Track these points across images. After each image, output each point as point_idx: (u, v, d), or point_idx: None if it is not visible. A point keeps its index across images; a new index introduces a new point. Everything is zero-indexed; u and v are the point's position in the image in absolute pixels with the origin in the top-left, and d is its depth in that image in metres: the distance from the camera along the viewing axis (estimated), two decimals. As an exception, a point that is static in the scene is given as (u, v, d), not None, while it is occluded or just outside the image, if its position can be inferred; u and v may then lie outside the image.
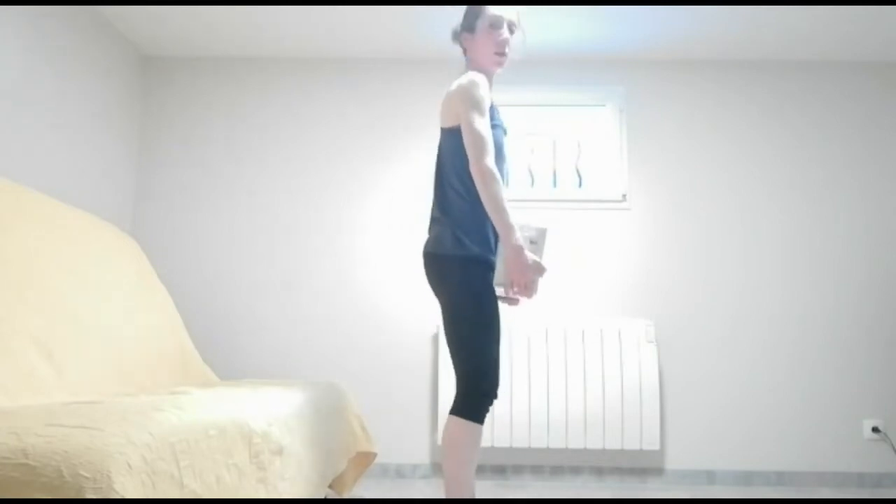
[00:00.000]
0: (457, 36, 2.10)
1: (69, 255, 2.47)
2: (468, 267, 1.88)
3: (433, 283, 1.95)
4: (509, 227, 1.79)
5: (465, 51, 2.09)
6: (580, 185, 3.75)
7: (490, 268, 1.91)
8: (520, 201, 3.65)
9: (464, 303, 1.88)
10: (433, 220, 2.00)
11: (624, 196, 3.65)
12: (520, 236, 1.80)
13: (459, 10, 2.16)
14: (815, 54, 3.65)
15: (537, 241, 1.89)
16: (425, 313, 3.56)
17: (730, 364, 3.51)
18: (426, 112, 3.73)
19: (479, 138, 1.85)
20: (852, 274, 3.57)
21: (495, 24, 1.99)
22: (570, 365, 3.36)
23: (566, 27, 3.40)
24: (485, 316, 1.87)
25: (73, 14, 3.15)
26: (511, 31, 2.03)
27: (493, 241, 1.93)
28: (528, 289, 1.80)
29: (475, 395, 1.85)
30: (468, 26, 2.05)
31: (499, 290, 1.88)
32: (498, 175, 1.83)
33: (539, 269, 1.81)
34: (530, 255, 1.80)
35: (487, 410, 1.87)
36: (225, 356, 3.56)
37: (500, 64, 2.03)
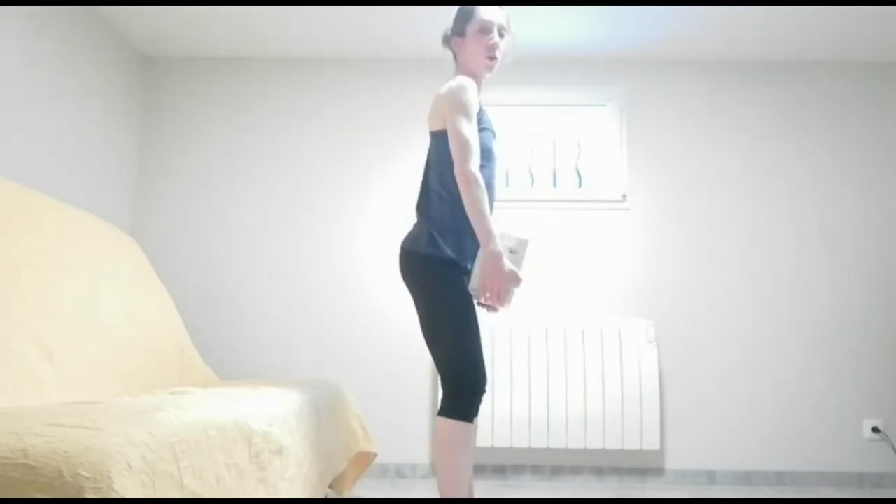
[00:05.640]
0: (447, 40, 2.09)
1: (69, 254, 2.47)
2: (440, 268, 1.87)
3: (406, 279, 1.95)
4: (489, 233, 1.79)
5: (455, 55, 2.09)
6: (580, 185, 3.75)
7: (462, 272, 1.90)
8: (520, 201, 3.65)
9: (438, 305, 1.87)
10: (416, 219, 2.00)
11: (624, 196, 3.65)
12: (499, 243, 1.80)
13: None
14: (815, 54, 3.65)
15: (517, 252, 1.88)
16: (425, 313, 3.56)
17: (730, 364, 3.51)
18: (425, 112, 3.73)
19: (464, 142, 1.84)
20: (852, 274, 3.57)
21: (485, 29, 1.99)
22: (570, 365, 3.36)
23: (566, 27, 3.40)
24: (460, 316, 1.86)
25: (73, 14, 3.15)
26: (501, 35, 2.02)
27: (469, 249, 1.92)
28: (501, 297, 1.79)
29: (464, 394, 1.84)
30: (458, 31, 2.04)
31: (474, 296, 1.87)
32: (481, 180, 1.82)
33: (514, 279, 1.79)
34: (507, 264, 1.79)
35: (478, 408, 1.86)
36: (225, 356, 3.57)
37: (490, 68, 2.02)
